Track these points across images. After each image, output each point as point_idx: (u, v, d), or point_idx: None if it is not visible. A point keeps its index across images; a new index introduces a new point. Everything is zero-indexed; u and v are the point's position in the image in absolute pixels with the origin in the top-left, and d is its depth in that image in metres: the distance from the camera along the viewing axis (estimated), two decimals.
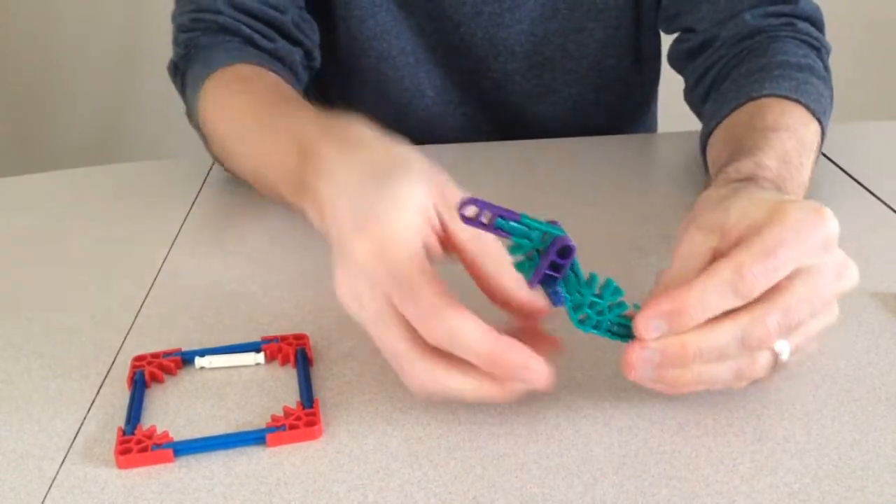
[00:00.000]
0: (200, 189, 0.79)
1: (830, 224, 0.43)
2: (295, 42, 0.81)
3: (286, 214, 0.74)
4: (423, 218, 0.46)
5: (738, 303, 0.42)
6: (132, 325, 0.58)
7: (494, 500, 0.42)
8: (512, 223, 0.42)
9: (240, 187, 0.79)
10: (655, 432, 0.46)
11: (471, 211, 0.41)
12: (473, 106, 0.93)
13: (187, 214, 0.74)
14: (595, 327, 0.44)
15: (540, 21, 0.87)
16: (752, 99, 0.68)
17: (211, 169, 0.83)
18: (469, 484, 0.43)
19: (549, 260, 0.42)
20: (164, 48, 0.82)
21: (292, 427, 0.46)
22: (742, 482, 0.42)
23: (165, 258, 0.66)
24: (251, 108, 0.68)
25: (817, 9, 0.78)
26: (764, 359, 0.44)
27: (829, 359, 0.51)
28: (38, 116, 2.10)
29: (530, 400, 0.48)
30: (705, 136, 0.72)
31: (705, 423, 0.46)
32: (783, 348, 0.44)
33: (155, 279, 0.63)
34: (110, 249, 0.68)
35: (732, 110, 0.69)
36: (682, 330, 0.42)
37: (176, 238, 0.69)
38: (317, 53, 0.84)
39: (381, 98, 0.90)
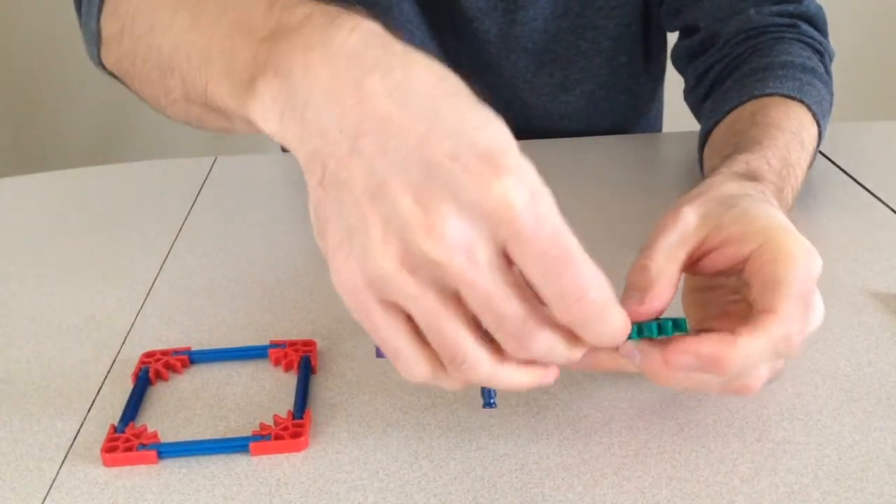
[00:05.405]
0: (200, 189, 0.79)
1: (819, 263, 0.43)
2: None
3: (288, 215, 0.74)
4: None
5: (775, 360, 0.43)
6: (132, 325, 0.58)
7: (494, 500, 0.42)
8: None
9: (240, 187, 0.79)
10: (655, 432, 0.46)
11: None
12: (485, 103, 0.93)
13: (187, 214, 0.74)
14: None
15: (553, 19, 0.87)
16: (755, 97, 0.68)
17: (211, 169, 0.83)
18: (469, 484, 0.43)
19: None
20: None
21: (277, 437, 0.46)
22: (742, 482, 0.42)
23: (166, 258, 0.66)
24: None
25: (821, 9, 0.78)
26: (764, 372, 0.44)
27: (829, 359, 0.51)
28: (38, 116, 2.10)
29: (530, 400, 0.48)
30: (704, 134, 0.71)
31: (705, 423, 0.46)
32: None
33: (155, 279, 0.63)
34: (110, 249, 0.68)
35: (734, 108, 0.68)
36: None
37: (176, 238, 0.69)
38: None
39: None
